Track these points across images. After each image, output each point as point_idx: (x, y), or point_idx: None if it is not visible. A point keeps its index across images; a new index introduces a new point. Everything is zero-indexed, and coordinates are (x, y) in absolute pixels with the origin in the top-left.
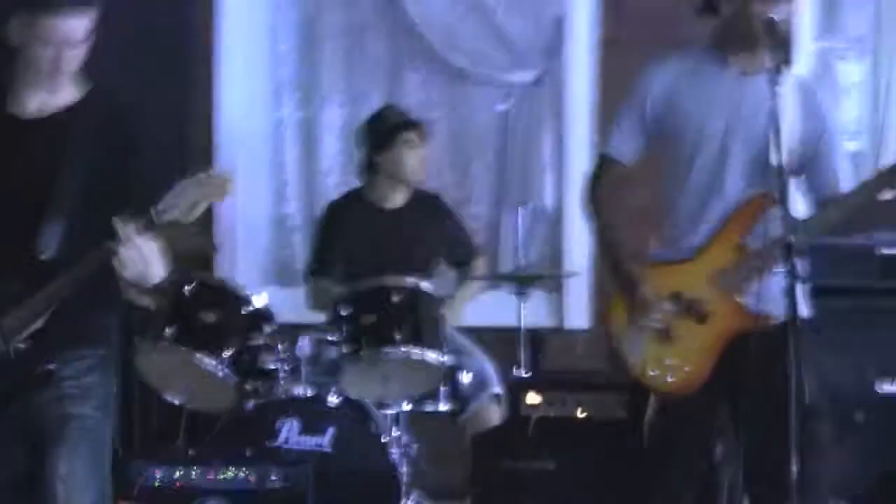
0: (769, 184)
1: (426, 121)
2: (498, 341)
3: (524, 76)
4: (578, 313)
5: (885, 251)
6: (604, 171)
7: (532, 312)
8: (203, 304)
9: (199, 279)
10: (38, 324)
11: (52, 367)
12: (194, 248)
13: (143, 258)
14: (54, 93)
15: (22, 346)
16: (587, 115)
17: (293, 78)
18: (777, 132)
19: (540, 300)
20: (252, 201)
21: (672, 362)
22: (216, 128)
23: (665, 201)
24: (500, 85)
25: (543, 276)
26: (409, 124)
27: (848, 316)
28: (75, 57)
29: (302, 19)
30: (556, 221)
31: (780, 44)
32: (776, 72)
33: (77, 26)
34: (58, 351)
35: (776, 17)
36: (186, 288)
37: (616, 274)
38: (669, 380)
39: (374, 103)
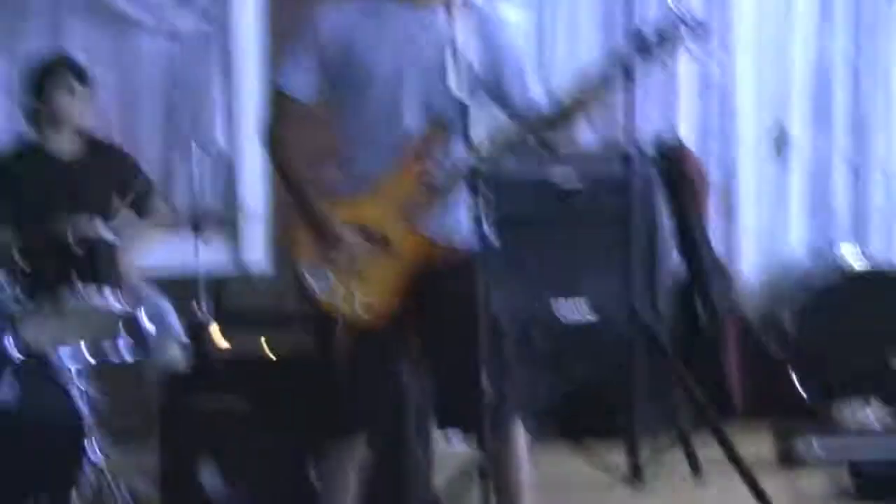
0: (449, 114)
1: (87, 66)
2: (177, 287)
3: (190, 21)
4: (256, 256)
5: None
6: (282, 110)
7: (210, 258)
8: None
9: None
10: None
11: None
12: None
13: None
14: None
15: None
16: (257, 58)
17: None
18: (453, 63)
19: (217, 245)
20: None
21: (359, 295)
22: None
23: (344, 137)
24: (167, 29)
25: (219, 217)
26: (65, 68)
27: (527, 243)
28: None
29: None
30: (229, 165)
31: None
32: (447, 3)
33: None
34: None
35: None
36: None
37: (303, 210)
38: (357, 313)
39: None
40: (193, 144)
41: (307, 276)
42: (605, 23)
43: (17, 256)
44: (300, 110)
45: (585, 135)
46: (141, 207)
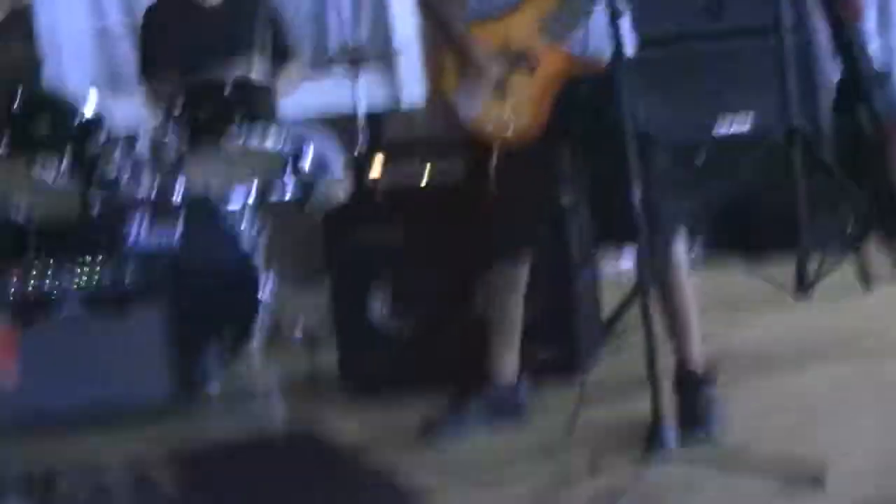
0: None
1: None
2: (336, 125)
3: None
4: (412, 89)
5: None
6: None
7: (366, 93)
8: (34, 116)
9: (27, 91)
10: None
11: None
12: (18, 61)
13: None
14: None
15: None
16: None
17: None
18: None
19: (373, 81)
20: (71, 15)
21: (508, 115)
22: None
23: None
24: None
25: (374, 54)
26: None
27: (678, 61)
28: None
29: None
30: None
31: None
32: None
33: None
34: None
35: None
36: (15, 101)
37: (445, 37)
38: (508, 132)
39: None
40: None
41: (456, 102)
42: None
43: (177, 102)
44: None
45: None
46: (281, 55)
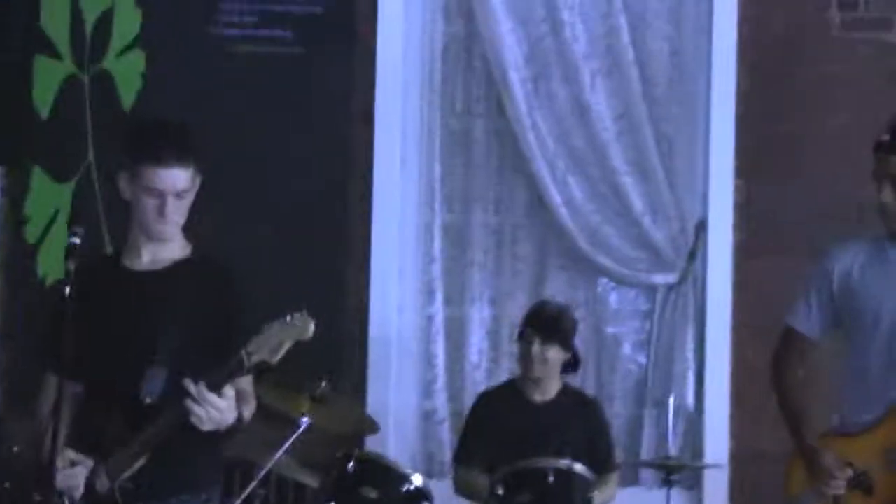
0: None
1: (561, 318)
2: None
3: (667, 278)
4: None
5: None
6: (789, 343)
7: None
8: (365, 480)
9: (361, 456)
10: (140, 463)
11: None
12: (355, 426)
13: (218, 411)
14: (163, 246)
15: (129, 485)
16: (727, 317)
17: (443, 276)
18: None
19: (679, 497)
20: (401, 395)
21: None
22: (370, 323)
23: (848, 377)
24: (644, 286)
25: (687, 466)
26: (535, 323)
27: None
28: (179, 207)
29: (452, 221)
30: (696, 419)
31: None
32: None
33: (179, 176)
34: (160, 495)
35: None
36: (350, 464)
37: (797, 441)
38: None
39: (520, 302)
40: (671, 400)
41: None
42: None
43: (499, 488)
44: (807, 347)
45: None
46: (599, 469)
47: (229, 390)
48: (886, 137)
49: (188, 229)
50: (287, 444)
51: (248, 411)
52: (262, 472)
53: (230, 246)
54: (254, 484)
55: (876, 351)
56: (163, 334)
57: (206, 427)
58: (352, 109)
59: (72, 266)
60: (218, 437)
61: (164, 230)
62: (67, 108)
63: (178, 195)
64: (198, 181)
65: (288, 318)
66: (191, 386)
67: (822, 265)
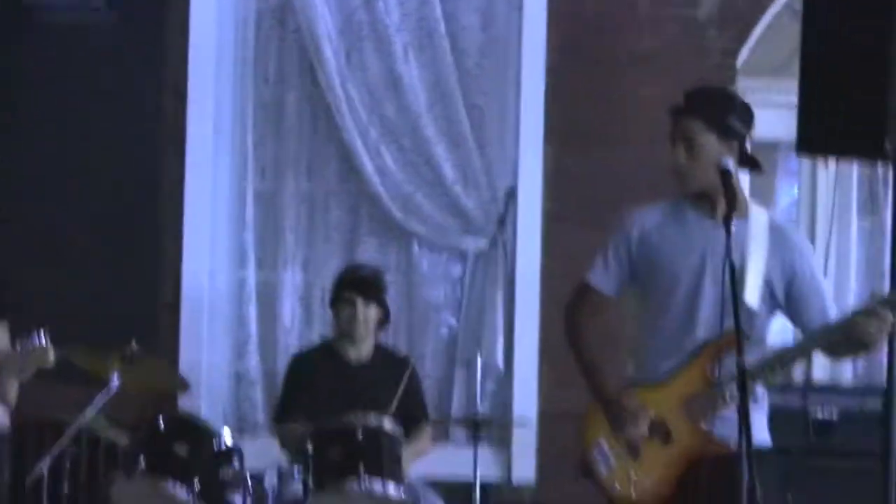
0: (742, 322)
1: (378, 277)
2: (451, 491)
3: (478, 243)
4: (525, 467)
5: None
6: (584, 298)
7: (480, 466)
8: (175, 437)
9: (171, 413)
10: None
11: None
12: (165, 385)
13: None
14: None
15: None
16: (536, 282)
17: (256, 242)
18: (742, 272)
19: (488, 454)
20: (214, 356)
21: (636, 478)
22: (183, 286)
23: (643, 331)
24: (456, 251)
25: (495, 422)
26: (351, 282)
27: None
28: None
29: (264, 188)
30: (504, 379)
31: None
32: (728, 219)
33: None
34: None
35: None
36: (160, 422)
37: (595, 389)
38: (633, 495)
39: (332, 268)
40: (479, 360)
41: (593, 455)
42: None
43: (308, 446)
44: (602, 302)
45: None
46: (413, 423)
47: None
48: (681, 102)
49: None
50: (97, 403)
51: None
52: (72, 431)
53: (44, 215)
54: (63, 441)
55: (674, 307)
56: None
57: None
58: (165, 79)
59: None
60: None
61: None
62: None
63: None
64: None
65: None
66: None
67: (622, 226)
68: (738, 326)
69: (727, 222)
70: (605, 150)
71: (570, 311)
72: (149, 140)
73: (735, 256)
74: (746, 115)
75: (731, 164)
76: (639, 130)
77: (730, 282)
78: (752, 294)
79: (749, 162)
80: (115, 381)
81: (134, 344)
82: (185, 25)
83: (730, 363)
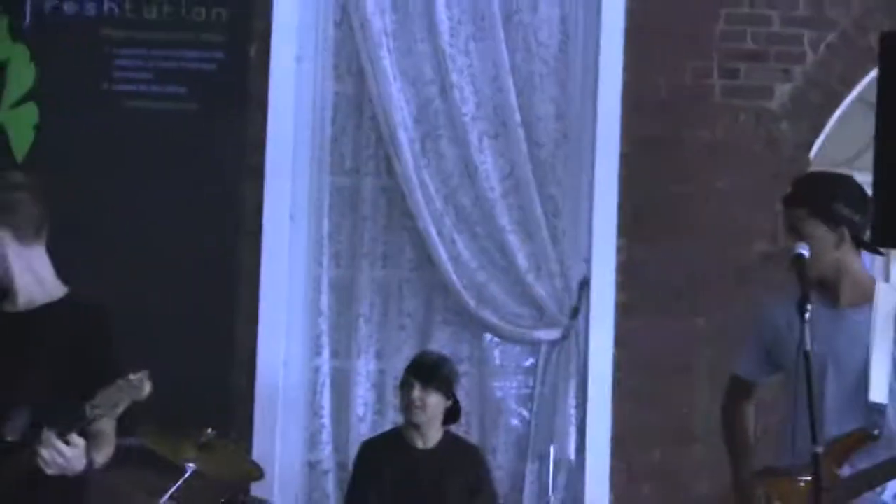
0: (870, 418)
1: (440, 365)
2: None
3: (551, 334)
4: None
5: None
6: (732, 388)
7: None
8: None
9: (244, 501)
10: None
11: None
12: (239, 472)
13: (63, 457)
14: (39, 287)
15: None
16: (609, 373)
17: (330, 330)
18: (866, 366)
19: None
20: (287, 445)
21: None
22: (258, 374)
23: (784, 421)
24: (528, 342)
25: None
26: (414, 370)
27: None
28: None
29: (339, 276)
30: (577, 472)
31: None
32: (803, 306)
33: None
34: None
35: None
36: None
37: (733, 476)
38: None
39: (406, 356)
40: (552, 453)
41: None
42: None
43: None
44: (749, 388)
45: None
46: None
47: (77, 438)
48: (788, 191)
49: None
50: (172, 490)
51: (103, 456)
52: None
53: (122, 300)
54: None
55: (802, 398)
56: (31, 374)
57: (51, 471)
58: (243, 165)
59: None
60: (71, 487)
61: None
62: None
63: None
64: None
65: (130, 377)
66: (44, 430)
67: (756, 316)
68: (812, 417)
69: (801, 310)
70: (676, 241)
71: (723, 406)
72: (226, 226)
73: (859, 347)
74: (856, 200)
75: (804, 249)
76: (710, 221)
77: (804, 371)
78: (879, 391)
79: (866, 246)
80: (191, 466)
81: (209, 430)
82: (263, 112)
83: (859, 461)
